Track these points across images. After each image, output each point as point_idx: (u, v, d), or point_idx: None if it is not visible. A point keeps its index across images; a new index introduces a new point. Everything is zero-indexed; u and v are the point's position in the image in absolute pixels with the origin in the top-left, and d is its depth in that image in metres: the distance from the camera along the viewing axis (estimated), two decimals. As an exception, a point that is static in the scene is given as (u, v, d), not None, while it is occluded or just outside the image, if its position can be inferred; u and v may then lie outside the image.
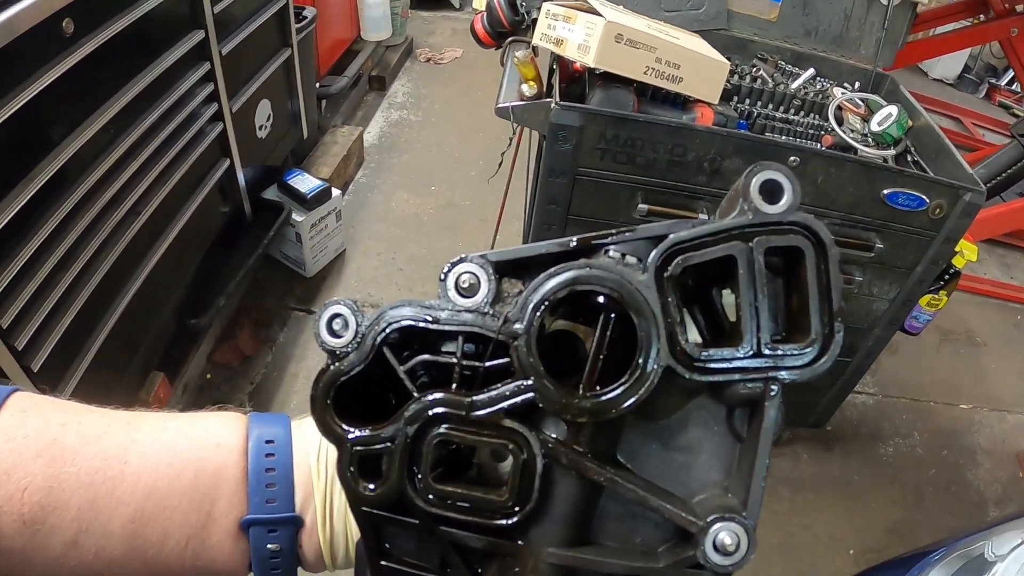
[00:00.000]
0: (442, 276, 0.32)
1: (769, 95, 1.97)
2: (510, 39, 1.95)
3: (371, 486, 0.34)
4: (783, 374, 0.33)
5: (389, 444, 0.33)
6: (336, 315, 0.33)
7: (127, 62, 1.74)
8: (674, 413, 0.35)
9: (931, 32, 4.49)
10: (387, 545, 0.37)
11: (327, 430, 0.35)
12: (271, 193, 2.75)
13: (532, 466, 0.32)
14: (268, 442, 0.45)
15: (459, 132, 4.07)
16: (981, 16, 4.21)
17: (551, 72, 1.87)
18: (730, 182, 1.69)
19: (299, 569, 0.48)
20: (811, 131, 1.93)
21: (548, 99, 1.61)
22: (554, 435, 0.32)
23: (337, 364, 0.34)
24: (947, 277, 2.10)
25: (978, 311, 3.70)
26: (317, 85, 3.41)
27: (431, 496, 0.34)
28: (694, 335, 0.34)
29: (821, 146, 1.93)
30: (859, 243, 1.84)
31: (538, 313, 0.31)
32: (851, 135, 1.96)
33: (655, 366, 0.31)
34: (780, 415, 0.34)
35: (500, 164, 2.14)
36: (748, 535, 0.33)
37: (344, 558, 0.47)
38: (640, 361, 0.31)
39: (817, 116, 1.99)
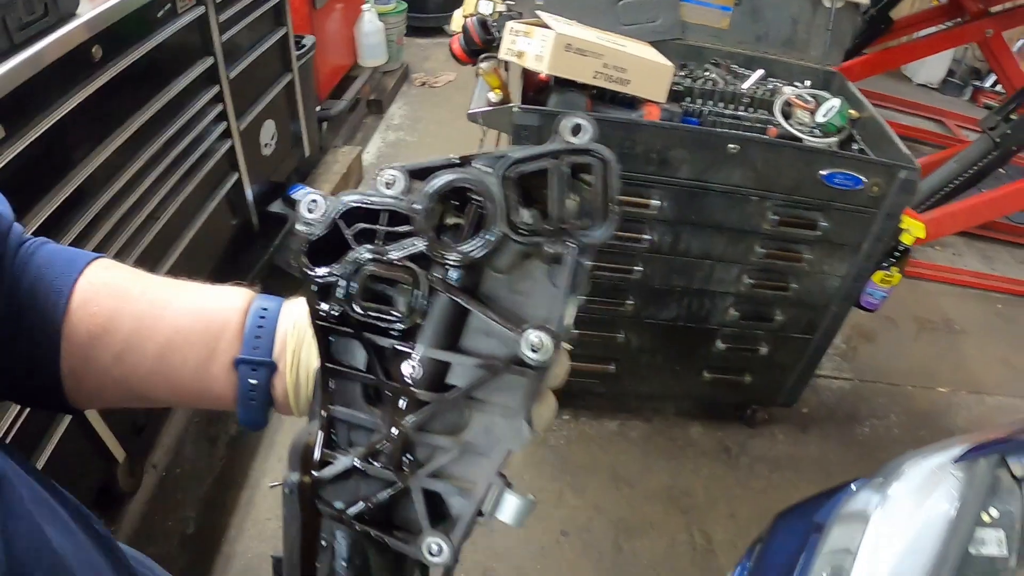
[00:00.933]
0: (375, 176, 0.48)
1: (720, 95, 2.17)
2: (483, 55, 2.17)
3: (324, 305, 0.50)
4: (575, 239, 0.45)
5: (337, 276, 0.49)
6: (313, 200, 0.49)
7: (146, 85, 1.97)
8: (515, 269, 0.48)
9: (912, 36, 4.60)
10: (331, 353, 0.52)
11: (299, 270, 0.50)
12: (276, 207, 2.98)
13: (422, 289, 0.49)
14: (264, 309, 0.61)
15: (453, 151, 4.24)
16: (958, 19, 4.34)
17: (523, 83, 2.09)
18: (676, 170, 1.90)
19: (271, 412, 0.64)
20: (758, 125, 2.12)
21: (511, 104, 1.83)
22: (437, 274, 0.48)
23: (309, 230, 0.49)
24: (897, 254, 2.27)
25: (958, 301, 3.83)
26: (318, 108, 3.66)
27: (359, 310, 0.49)
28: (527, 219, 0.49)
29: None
30: (804, 222, 2.02)
31: (430, 196, 0.46)
32: (798, 128, 2.15)
33: (497, 232, 0.46)
34: (581, 273, 0.46)
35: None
36: (551, 337, 0.45)
37: (303, 404, 0.60)
38: (488, 229, 0.46)
39: (765, 112, 2.19)
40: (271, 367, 0.59)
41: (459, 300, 0.47)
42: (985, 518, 1.13)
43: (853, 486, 1.42)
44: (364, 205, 0.48)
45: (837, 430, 2.90)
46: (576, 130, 0.45)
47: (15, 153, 1.49)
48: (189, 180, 2.21)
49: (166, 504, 2.30)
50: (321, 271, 0.49)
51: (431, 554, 0.48)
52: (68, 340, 0.57)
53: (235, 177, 2.53)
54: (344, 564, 0.52)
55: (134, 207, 1.95)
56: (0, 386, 0.59)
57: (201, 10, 2.16)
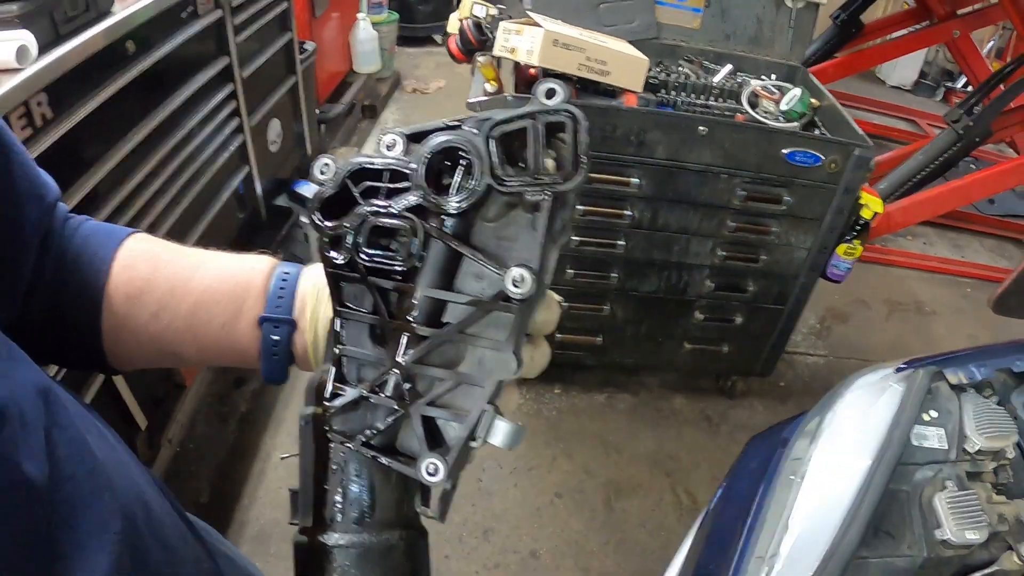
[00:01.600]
0: (377, 140, 0.54)
1: (692, 87, 2.39)
2: (478, 53, 2.37)
3: (335, 254, 0.55)
4: (553, 186, 0.49)
5: (346, 228, 0.54)
6: (325, 163, 0.55)
7: (170, 80, 2.16)
8: (501, 217, 0.53)
9: (884, 39, 4.75)
10: (343, 299, 0.57)
11: (314, 224, 0.55)
12: (282, 200, 3.17)
13: (421, 236, 0.53)
14: (286, 272, 0.66)
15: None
16: (926, 22, 4.51)
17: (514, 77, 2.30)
18: (653, 151, 2.11)
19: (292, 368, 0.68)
20: (727, 113, 2.34)
21: (505, 93, 2.04)
22: (433, 223, 0.52)
23: (322, 188, 0.55)
24: (858, 228, 2.47)
25: (928, 286, 4.03)
26: (317, 111, 3.86)
27: (365, 257, 0.54)
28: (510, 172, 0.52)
29: (737, 124, 2.33)
30: (770, 197, 2.24)
31: (426, 153, 0.52)
32: (764, 115, 2.37)
33: (483, 183, 0.50)
34: (558, 220, 0.52)
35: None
36: (532, 274, 0.49)
37: (321, 358, 0.65)
38: (474, 180, 0.51)
39: (734, 102, 2.40)
40: (292, 324, 0.64)
41: (452, 245, 0.52)
42: (925, 417, 1.33)
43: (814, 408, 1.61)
44: (369, 165, 0.54)
45: (813, 401, 2.95)
46: (550, 94, 0.49)
47: (59, 135, 1.66)
48: (206, 171, 2.40)
49: (180, 476, 2.43)
50: (332, 224, 0.55)
51: (429, 474, 0.52)
52: (109, 302, 0.62)
53: (246, 170, 2.72)
54: (353, 486, 0.56)
55: (158, 193, 2.13)
56: (46, 349, 0.63)
57: (219, 14, 2.36)
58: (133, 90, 1.94)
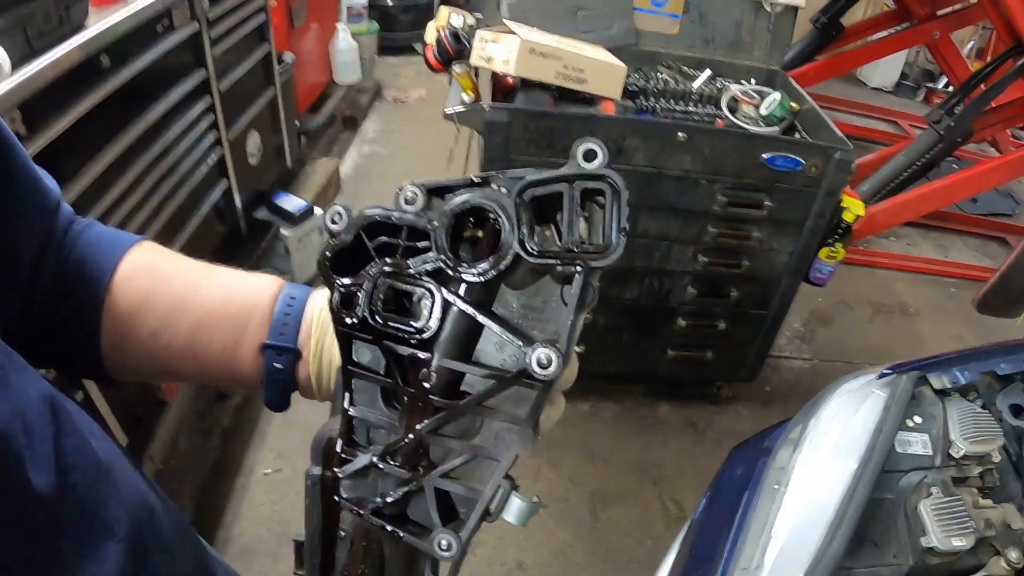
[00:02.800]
0: (396, 193, 0.50)
1: (671, 93, 2.38)
2: (455, 63, 2.36)
3: (346, 312, 0.52)
4: (587, 260, 0.46)
5: (359, 287, 0.51)
6: (337, 212, 0.51)
7: (146, 94, 2.14)
8: (527, 285, 0.50)
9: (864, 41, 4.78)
10: (353, 356, 0.55)
11: (326, 278, 0.52)
12: (262, 214, 3.15)
13: (440, 303, 0.50)
14: (292, 297, 0.64)
15: (424, 161, 4.47)
16: (906, 24, 4.53)
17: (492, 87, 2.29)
18: (632, 157, 2.10)
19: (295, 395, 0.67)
20: (706, 119, 2.34)
21: (483, 103, 2.02)
22: (453, 288, 0.49)
23: (334, 240, 0.51)
24: (840, 231, 2.47)
25: (911, 287, 4.04)
26: (297, 122, 3.84)
27: (379, 320, 0.51)
28: (540, 239, 0.50)
29: (717, 130, 2.33)
30: (751, 203, 2.23)
31: (449, 214, 0.48)
32: (744, 120, 2.37)
33: (510, 251, 0.47)
34: (590, 292, 0.48)
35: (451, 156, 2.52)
36: (558, 355, 0.46)
37: (325, 390, 0.64)
38: (503, 248, 0.47)
39: (713, 107, 2.40)
40: (296, 354, 0.63)
41: (473, 315, 0.49)
42: (909, 423, 1.32)
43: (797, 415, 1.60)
44: (385, 220, 0.51)
45: (798, 405, 2.95)
46: (589, 156, 0.46)
47: (34, 153, 1.64)
48: (184, 185, 2.37)
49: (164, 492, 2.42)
50: (345, 280, 0.52)
51: (441, 549, 0.51)
52: (109, 314, 0.61)
53: (225, 184, 2.70)
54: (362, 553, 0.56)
55: (135, 208, 2.10)
56: (44, 353, 0.60)
57: (195, 26, 2.33)
58: (109, 104, 1.91)
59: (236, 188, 2.79)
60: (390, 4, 5.64)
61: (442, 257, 0.49)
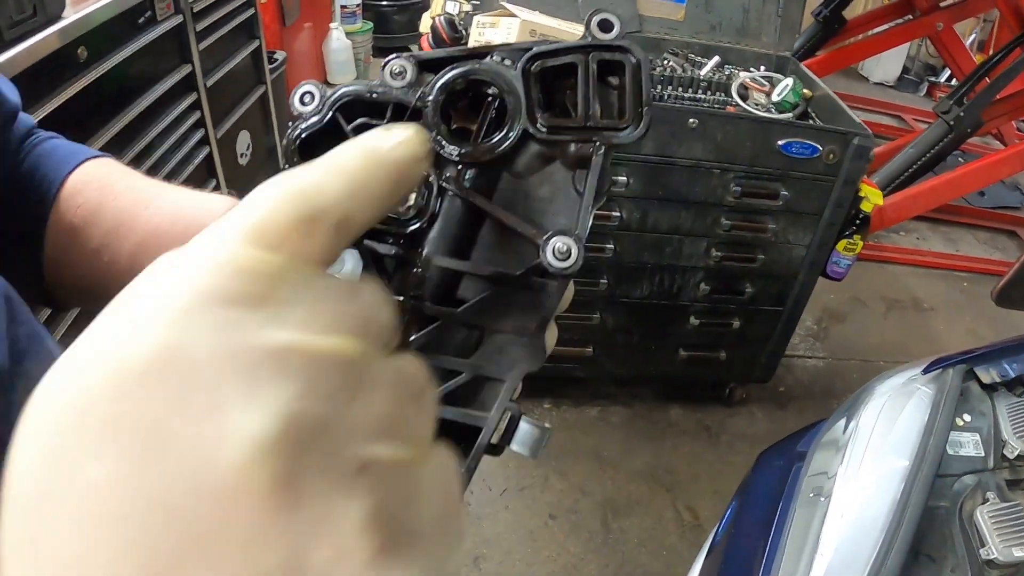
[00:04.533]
0: (382, 66, 0.42)
1: (679, 81, 2.27)
2: (452, 51, 2.25)
3: None
4: (604, 135, 0.41)
5: None
6: (307, 91, 0.42)
7: (127, 89, 2.03)
8: (535, 173, 0.43)
9: (866, 34, 4.72)
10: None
11: (291, 168, 0.50)
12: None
13: (431, 190, 0.44)
14: None
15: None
16: (909, 16, 4.49)
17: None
18: (640, 146, 1.99)
19: None
20: (716, 107, 2.22)
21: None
22: (448, 174, 0.43)
23: (302, 122, 0.42)
24: (858, 222, 2.36)
25: (924, 281, 3.95)
26: (290, 123, 3.73)
27: None
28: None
29: (727, 117, 2.22)
30: (766, 192, 2.12)
31: (441, 88, 0.41)
32: (755, 107, 2.26)
33: (517, 127, 0.42)
34: (607, 179, 0.43)
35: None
36: (576, 244, 0.40)
37: None
38: (508, 123, 0.42)
39: (723, 95, 2.29)
40: None
41: (474, 201, 0.43)
42: (959, 422, 1.20)
43: (832, 416, 1.49)
44: (366, 96, 0.43)
45: (814, 405, 2.98)
46: (605, 26, 0.41)
47: (3, 150, 1.53)
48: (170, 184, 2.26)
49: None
50: None
51: None
52: (52, 230, 0.58)
53: (212, 184, 2.58)
54: None
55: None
56: None
57: (179, 19, 2.22)
58: (87, 99, 1.81)
59: (225, 188, 2.67)
60: (384, 4, 5.53)
61: (436, 135, 0.42)
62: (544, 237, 0.40)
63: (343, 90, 0.42)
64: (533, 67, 0.41)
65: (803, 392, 3.04)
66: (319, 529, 0.20)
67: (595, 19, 0.41)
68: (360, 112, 0.43)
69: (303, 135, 0.42)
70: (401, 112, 0.43)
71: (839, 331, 3.44)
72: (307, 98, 0.43)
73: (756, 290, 2.35)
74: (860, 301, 3.65)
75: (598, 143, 0.41)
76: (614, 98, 0.42)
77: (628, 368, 2.61)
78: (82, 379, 0.20)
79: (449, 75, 0.41)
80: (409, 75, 0.42)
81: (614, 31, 0.40)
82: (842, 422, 1.39)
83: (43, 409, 0.21)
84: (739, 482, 2.60)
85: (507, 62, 0.42)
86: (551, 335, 0.47)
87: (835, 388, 3.10)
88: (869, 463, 1.17)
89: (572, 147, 0.42)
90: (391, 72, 0.42)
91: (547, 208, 0.43)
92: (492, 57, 0.42)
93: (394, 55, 0.42)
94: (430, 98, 0.42)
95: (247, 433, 0.20)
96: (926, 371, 1.30)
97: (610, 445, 2.65)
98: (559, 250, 0.40)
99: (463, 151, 0.42)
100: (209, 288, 0.22)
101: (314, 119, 0.42)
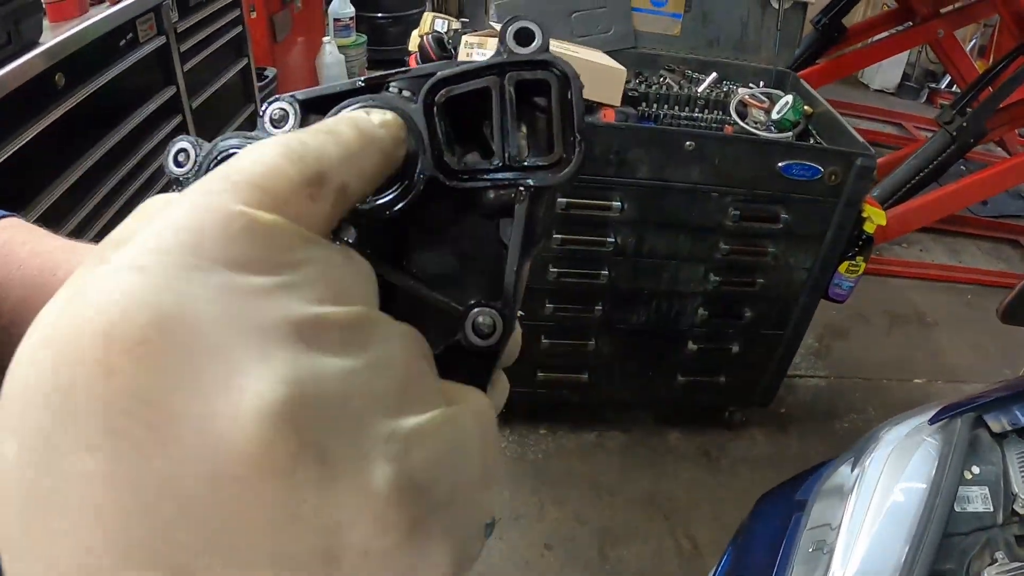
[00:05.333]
0: (260, 112, 0.36)
1: (675, 99, 2.21)
2: (441, 71, 2.20)
3: None
4: (529, 180, 0.35)
5: None
6: (181, 149, 0.37)
7: (109, 114, 1.98)
8: (451, 227, 0.38)
9: (866, 42, 4.68)
10: None
11: None
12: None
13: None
14: None
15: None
16: (909, 23, 4.43)
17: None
18: (635, 170, 1.92)
19: None
20: (714, 125, 2.16)
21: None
22: (346, 238, 0.35)
23: (179, 188, 0.38)
24: (861, 243, 2.30)
25: (927, 295, 3.88)
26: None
27: None
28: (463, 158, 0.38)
29: (725, 137, 2.16)
30: (766, 216, 2.05)
31: None
32: (754, 125, 2.20)
33: (421, 176, 0.35)
34: (538, 225, 0.36)
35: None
36: (503, 318, 0.35)
37: None
38: (404, 175, 0.35)
39: (721, 112, 2.23)
40: None
41: (378, 270, 0.35)
42: (967, 475, 1.14)
43: (833, 462, 1.43)
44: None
45: (816, 427, 2.92)
46: (523, 37, 0.35)
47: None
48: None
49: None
50: None
51: None
52: None
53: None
54: None
55: (100, 235, 1.94)
56: None
57: (162, 40, 2.17)
58: (67, 126, 1.76)
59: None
60: (379, 16, 5.47)
61: None
62: (463, 308, 0.35)
63: (220, 147, 0.36)
64: (438, 97, 0.35)
65: (805, 413, 2.97)
66: (351, 503, 0.19)
67: (510, 29, 0.34)
68: None
69: None
70: None
71: (841, 348, 3.37)
72: (182, 157, 0.37)
73: (756, 314, 2.29)
74: (862, 316, 3.58)
75: (521, 188, 0.35)
76: (543, 124, 0.36)
77: (625, 394, 2.55)
78: (65, 352, 0.18)
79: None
80: (291, 120, 0.36)
81: (535, 43, 0.34)
82: (844, 468, 1.34)
83: (21, 392, 0.18)
84: (740, 508, 2.53)
85: (407, 93, 0.36)
86: (500, 391, 0.41)
87: (837, 408, 3.03)
88: (873, 520, 1.11)
89: (491, 194, 0.36)
90: (271, 119, 0.36)
91: (470, 266, 0.38)
92: (389, 88, 0.36)
93: (273, 97, 0.36)
94: None
95: (265, 403, 0.18)
96: (933, 420, 1.24)
97: (608, 471, 2.59)
98: (482, 325, 0.35)
99: (354, 211, 0.33)
100: (211, 247, 0.20)
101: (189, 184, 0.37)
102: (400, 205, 0.35)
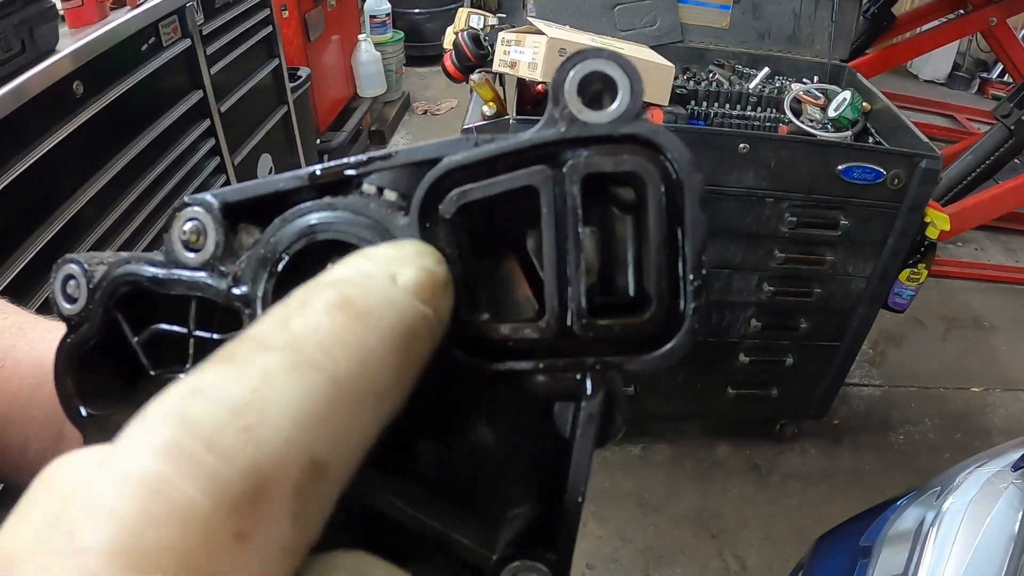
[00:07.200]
0: (168, 222, 0.25)
1: (726, 96, 2.09)
2: (477, 71, 2.09)
3: None
4: (605, 358, 0.22)
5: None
6: (68, 276, 0.28)
7: (134, 120, 1.91)
8: (472, 406, 0.25)
9: (916, 31, 4.53)
10: None
11: (67, 407, 0.29)
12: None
13: None
14: None
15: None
16: (960, 11, 4.30)
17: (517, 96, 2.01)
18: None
19: None
20: (768, 124, 2.04)
21: (507, 116, 1.75)
22: None
23: (72, 336, 0.28)
24: (923, 250, 2.16)
25: (984, 297, 3.70)
26: (318, 140, 3.61)
27: None
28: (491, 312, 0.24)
29: (779, 137, 2.03)
30: (824, 222, 1.92)
31: (267, 273, 0.23)
32: (810, 124, 2.06)
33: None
34: (617, 410, 0.24)
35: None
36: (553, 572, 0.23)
37: None
38: None
39: (774, 110, 2.10)
40: None
41: (356, 492, 0.22)
42: (1056, 530, 1.02)
43: (899, 503, 1.31)
44: (154, 288, 0.26)
45: (871, 439, 2.78)
46: (595, 90, 0.21)
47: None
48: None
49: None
50: (96, 414, 0.28)
51: None
52: None
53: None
54: None
55: (125, 246, 1.88)
56: None
57: (187, 43, 2.10)
58: (90, 133, 1.71)
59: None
60: (416, 12, 5.37)
61: None
62: (494, 560, 0.23)
63: (114, 275, 0.26)
64: (444, 207, 0.22)
65: (859, 424, 2.83)
66: None
67: (570, 75, 0.21)
68: (153, 310, 0.27)
69: (75, 354, 0.27)
70: (211, 310, 0.25)
71: (896, 356, 3.21)
72: (71, 287, 0.28)
73: (811, 325, 2.16)
74: (918, 321, 3.41)
75: (591, 374, 0.22)
76: (625, 229, 0.22)
77: (672, 407, 2.44)
78: None
79: (275, 241, 0.23)
80: (211, 239, 0.24)
81: (616, 102, 0.21)
82: (912, 511, 1.22)
83: None
84: (791, 527, 2.43)
85: (390, 195, 0.23)
86: None
87: (892, 419, 2.88)
88: (953, 574, 0.99)
89: (540, 378, 0.23)
90: (182, 240, 0.25)
91: (505, 465, 0.25)
92: (359, 186, 0.23)
93: (183, 199, 0.25)
94: (249, 289, 0.24)
95: None
96: (1016, 467, 1.11)
97: (653, 487, 2.48)
98: None
99: None
100: None
101: (86, 330, 0.27)
102: None
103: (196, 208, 0.24)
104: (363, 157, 0.23)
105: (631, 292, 0.22)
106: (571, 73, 0.21)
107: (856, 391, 2.97)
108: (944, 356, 3.28)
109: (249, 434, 0.14)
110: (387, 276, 0.19)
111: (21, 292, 1.53)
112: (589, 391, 0.22)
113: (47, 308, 0.30)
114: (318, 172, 0.23)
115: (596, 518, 2.36)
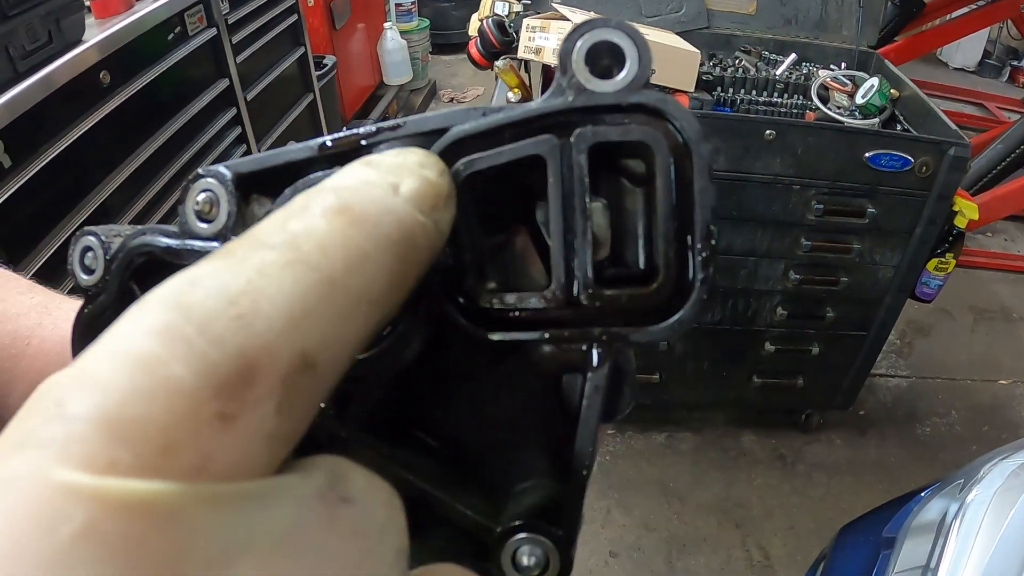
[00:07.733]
0: (181, 194, 0.25)
1: (752, 82, 2.07)
2: (502, 57, 2.09)
3: None
4: (612, 331, 0.22)
5: None
6: (86, 248, 0.28)
7: (161, 109, 1.94)
8: (480, 373, 0.25)
9: (945, 18, 4.46)
10: None
11: None
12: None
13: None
14: None
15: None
16: None
17: (543, 82, 2.01)
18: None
19: None
20: (795, 111, 2.02)
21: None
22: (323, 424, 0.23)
23: (89, 307, 0.28)
24: (951, 239, 2.13)
25: (1013, 288, 3.64)
26: (344, 128, 3.63)
27: None
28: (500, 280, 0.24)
29: (806, 124, 2.01)
30: (851, 210, 1.90)
31: None
32: (837, 111, 2.04)
33: (423, 313, 0.23)
34: (625, 382, 0.24)
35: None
36: (560, 554, 0.23)
37: None
38: (405, 311, 0.22)
39: (801, 97, 2.08)
40: None
41: (363, 461, 0.22)
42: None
43: (923, 494, 1.30)
44: (165, 253, 0.26)
45: (897, 431, 2.75)
46: (602, 61, 0.21)
47: (23, 182, 1.44)
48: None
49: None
50: None
51: None
52: None
53: (257, 201, 2.49)
54: None
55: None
56: None
57: (213, 32, 2.12)
58: (119, 122, 1.73)
59: (271, 205, 2.58)
60: (442, 0, 5.37)
61: None
62: (498, 533, 0.23)
63: (131, 245, 0.26)
64: (457, 177, 0.22)
65: (885, 415, 2.80)
66: None
67: (578, 45, 0.21)
68: (164, 277, 0.26)
69: (93, 324, 0.27)
70: None
71: (923, 346, 3.17)
72: (90, 258, 0.28)
73: (838, 314, 2.14)
74: (945, 312, 3.37)
75: (597, 344, 0.22)
76: (635, 202, 0.22)
77: (697, 395, 2.43)
78: None
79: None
80: (224, 210, 0.24)
81: (624, 71, 0.21)
82: (936, 502, 1.21)
83: None
84: (816, 517, 2.41)
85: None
86: None
87: (919, 411, 2.85)
88: (976, 567, 0.98)
89: (547, 348, 0.23)
90: (196, 211, 0.25)
91: (513, 437, 0.25)
92: (377, 151, 0.23)
93: (196, 172, 0.25)
94: None
95: None
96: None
97: (677, 475, 2.47)
98: (522, 565, 0.23)
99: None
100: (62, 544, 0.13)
101: (104, 299, 0.27)
102: (389, 365, 0.23)
103: (209, 179, 0.25)
104: (372, 127, 0.24)
105: (641, 265, 0.22)
106: (579, 43, 0.21)
107: (883, 382, 2.94)
108: (972, 347, 3.24)
109: (241, 322, 0.15)
110: (388, 185, 0.19)
111: (52, 277, 1.56)
112: (595, 362, 0.22)
113: (77, 292, 0.31)
114: (328, 143, 0.24)
115: (620, 506, 2.36)
